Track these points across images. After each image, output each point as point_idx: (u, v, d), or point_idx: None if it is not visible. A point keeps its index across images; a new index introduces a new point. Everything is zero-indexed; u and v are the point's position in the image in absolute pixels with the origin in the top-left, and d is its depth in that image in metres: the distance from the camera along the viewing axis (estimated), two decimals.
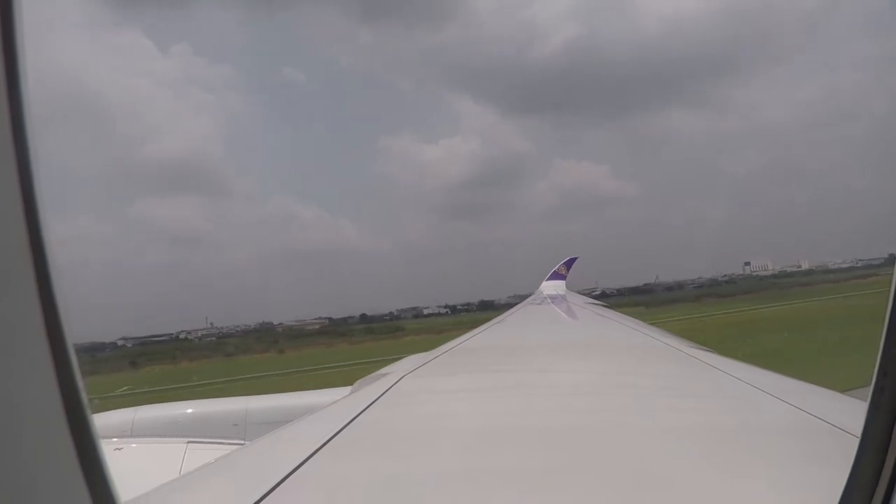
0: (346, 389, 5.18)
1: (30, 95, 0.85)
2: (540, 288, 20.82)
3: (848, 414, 2.41)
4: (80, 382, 0.91)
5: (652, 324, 9.44)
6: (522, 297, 20.48)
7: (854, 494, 1.30)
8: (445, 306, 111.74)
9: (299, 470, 1.93)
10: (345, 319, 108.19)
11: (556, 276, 22.21)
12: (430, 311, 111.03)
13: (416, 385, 3.81)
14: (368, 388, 3.82)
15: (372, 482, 1.90)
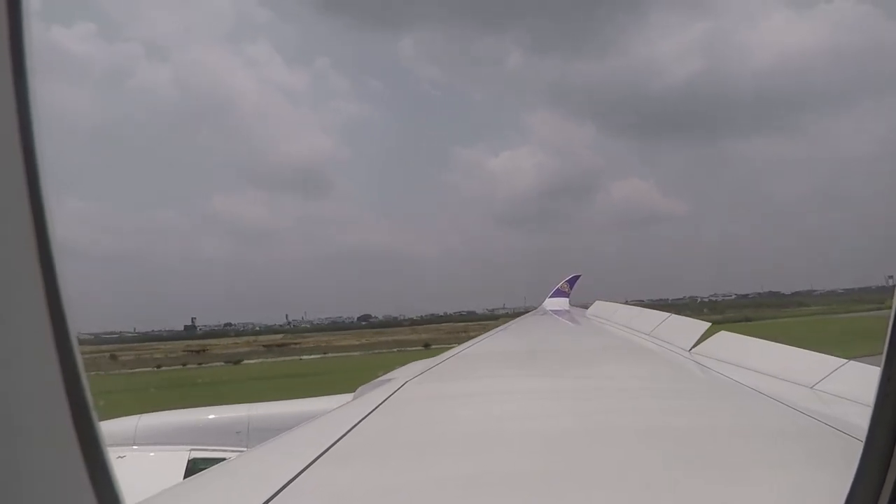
0: (349, 396, 5.17)
1: (36, 93, 0.85)
2: (542, 305, 20.49)
3: (848, 417, 2.40)
4: (87, 390, 0.91)
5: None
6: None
7: (858, 500, 1.29)
8: None
9: (301, 476, 1.93)
10: None
11: (559, 293, 21.44)
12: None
13: (418, 391, 3.81)
14: (371, 395, 3.81)
15: (374, 489, 1.90)
